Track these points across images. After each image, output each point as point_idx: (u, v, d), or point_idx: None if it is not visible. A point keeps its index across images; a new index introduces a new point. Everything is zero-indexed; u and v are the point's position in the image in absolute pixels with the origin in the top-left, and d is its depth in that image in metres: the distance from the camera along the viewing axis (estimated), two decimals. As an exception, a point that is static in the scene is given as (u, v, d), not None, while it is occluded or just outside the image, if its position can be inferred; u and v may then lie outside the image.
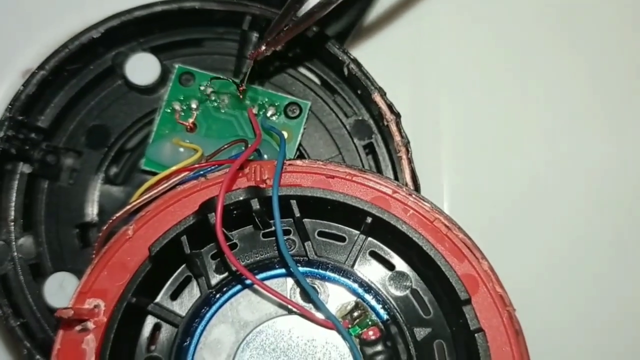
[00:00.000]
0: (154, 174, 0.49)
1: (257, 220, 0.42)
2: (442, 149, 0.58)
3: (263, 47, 0.46)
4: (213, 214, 0.39)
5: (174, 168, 0.44)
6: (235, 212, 0.41)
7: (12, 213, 0.49)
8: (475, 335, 0.39)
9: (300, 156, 0.50)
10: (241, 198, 0.40)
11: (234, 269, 0.42)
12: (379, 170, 0.49)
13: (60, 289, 0.47)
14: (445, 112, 0.58)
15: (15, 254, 0.48)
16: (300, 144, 0.50)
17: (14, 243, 0.48)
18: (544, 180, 0.58)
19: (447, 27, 0.60)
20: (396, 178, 0.48)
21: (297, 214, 0.41)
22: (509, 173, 0.58)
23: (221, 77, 0.49)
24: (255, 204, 0.40)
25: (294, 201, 0.41)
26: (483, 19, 0.60)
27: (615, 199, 0.58)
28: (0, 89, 0.58)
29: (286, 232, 0.43)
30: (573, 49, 0.59)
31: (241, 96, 0.49)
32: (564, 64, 0.59)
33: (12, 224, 0.48)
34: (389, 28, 0.59)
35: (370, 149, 0.50)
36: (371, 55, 0.53)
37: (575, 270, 0.57)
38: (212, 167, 0.44)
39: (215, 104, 0.50)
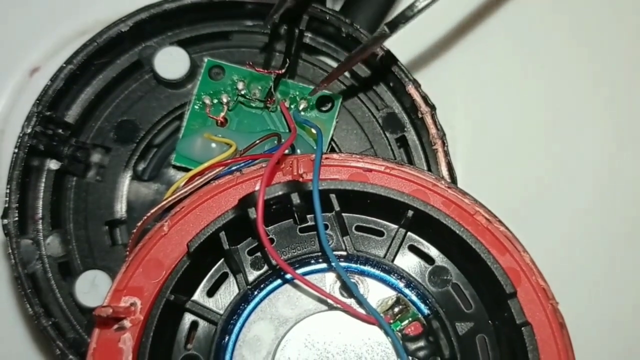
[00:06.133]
0: (185, 169, 0.48)
1: (295, 215, 0.41)
2: (457, 146, 0.57)
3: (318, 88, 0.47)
4: (253, 208, 0.38)
5: (208, 163, 0.43)
6: (274, 206, 0.40)
7: (40, 211, 0.48)
8: (522, 329, 0.38)
9: (332, 150, 0.49)
10: (281, 192, 0.39)
11: (274, 263, 0.41)
12: (411, 163, 0.48)
13: (92, 287, 0.46)
14: (459, 110, 0.58)
15: (44, 252, 0.47)
16: (332, 138, 0.49)
17: (42, 241, 0.47)
18: (554, 178, 0.58)
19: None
20: (430, 171, 0.47)
21: (337, 208, 0.41)
22: (520, 169, 0.58)
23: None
24: (295, 198, 0.40)
25: (334, 195, 0.41)
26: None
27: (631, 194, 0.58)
28: (8, 87, 0.58)
29: (324, 227, 0.42)
30: (582, 49, 0.59)
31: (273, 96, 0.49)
32: (576, 64, 0.59)
33: (40, 222, 0.48)
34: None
35: (402, 142, 0.49)
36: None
37: (587, 266, 0.57)
38: (247, 162, 0.43)
39: (247, 98, 0.49)
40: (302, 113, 0.49)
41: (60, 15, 0.58)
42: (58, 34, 0.58)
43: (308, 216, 0.42)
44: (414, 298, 0.41)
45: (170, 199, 0.42)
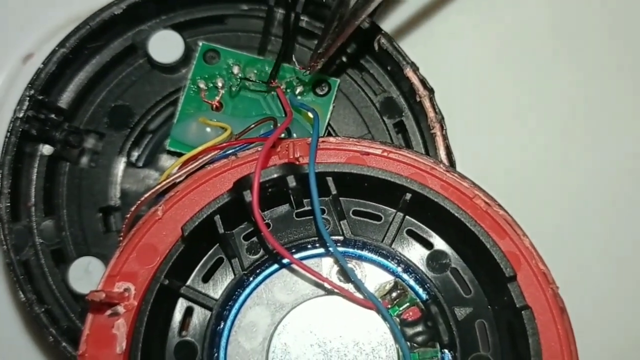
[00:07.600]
0: (179, 154, 0.48)
1: (292, 198, 0.41)
2: (456, 131, 0.56)
3: (314, 63, 0.46)
4: (248, 191, 0.38)
5: (203, 146, 0.42)
6: (270, 190, 0.39)
7: (33, 197, 0.47)
8: (522, 312, 0.37)
9: (329, 135, 0.49)
10: (277, 175, 0.39)
11: (270, 248, 0.40)
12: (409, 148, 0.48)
13: (85, 274, 0.45)
14: (458, 94, 0.57)
15: (37, 239, 0.47)
16: (329, 123, 0.48)
17: (35, 228, 0.47)
18: (554, 162, 0.57)
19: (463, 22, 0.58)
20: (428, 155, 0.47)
21: (334, 191, 0.40)
22: (520, 154, 0.58)
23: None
24: (291, 181, 0.39)
25: (330, 178, 0.40)
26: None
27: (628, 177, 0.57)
28: (2, 74, 0.57)
29: (321, 211, 0.41)
30: (585, 34, 0.59)
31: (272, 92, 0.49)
32: (577, 48, 0.58)
33: (33, 208, 0.47)
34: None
35: (400, 127, 0.49)
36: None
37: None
38: (242, 146, 0.42)
39: (250, 81, 0.48)
40: (299, 97, 0.48)
41: (54, 2, 0.58)
42: (52, 21, 0.57)
43: (304, 201, 0.42)
44: (412, 283, 0.41)
45: (164, 183, 0.41)
